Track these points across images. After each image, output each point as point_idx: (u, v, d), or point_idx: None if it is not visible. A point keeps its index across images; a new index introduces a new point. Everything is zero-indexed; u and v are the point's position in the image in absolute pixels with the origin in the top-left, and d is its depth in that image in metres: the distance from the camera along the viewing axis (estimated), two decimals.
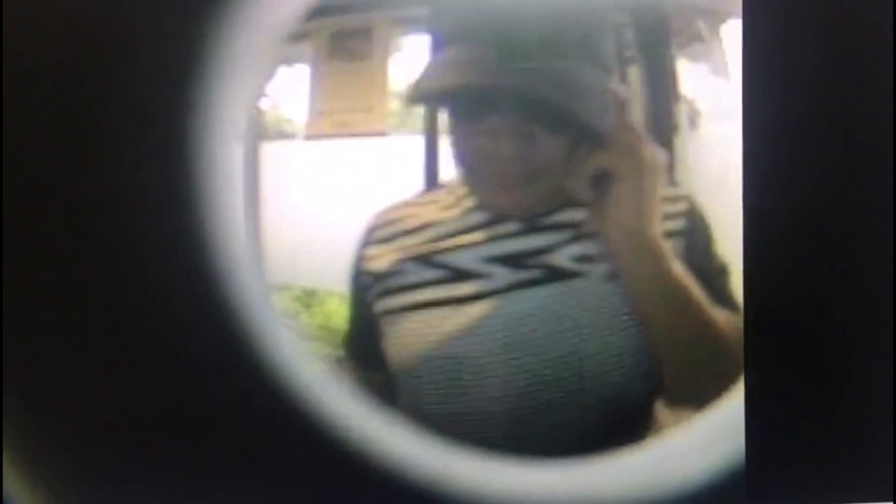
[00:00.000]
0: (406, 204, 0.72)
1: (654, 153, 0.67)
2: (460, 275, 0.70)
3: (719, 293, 0.68)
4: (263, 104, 0.73)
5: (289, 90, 0.73)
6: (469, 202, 0.71)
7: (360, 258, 0.72)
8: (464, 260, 0.70)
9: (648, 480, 0.64)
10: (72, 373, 0.65)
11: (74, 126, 0.64)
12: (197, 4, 0.63)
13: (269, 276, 0.69)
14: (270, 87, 0.73)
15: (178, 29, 0.63)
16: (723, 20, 0.72)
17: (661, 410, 0.69)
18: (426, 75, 0.69)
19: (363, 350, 0.73)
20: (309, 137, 0.74)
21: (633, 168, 0.67)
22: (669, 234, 0.68)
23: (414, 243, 0.71)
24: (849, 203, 0.63)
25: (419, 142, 0.72)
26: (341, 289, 0.72)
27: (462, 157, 0.70)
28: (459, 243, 0.71)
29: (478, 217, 0.71)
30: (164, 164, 0.63)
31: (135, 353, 0.64)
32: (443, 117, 0.70)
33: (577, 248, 0.69)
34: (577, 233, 0.70)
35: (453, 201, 0.72)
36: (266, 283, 0.68)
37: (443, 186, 0.72)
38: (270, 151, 0.72)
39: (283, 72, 0.73)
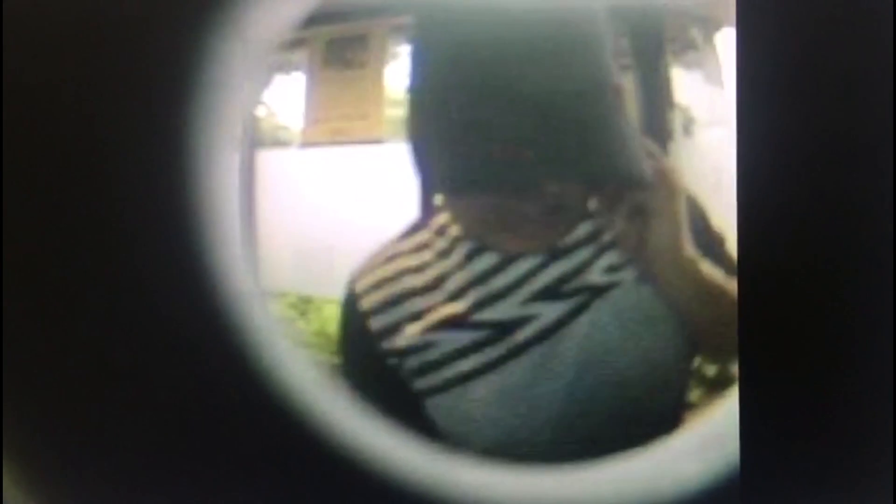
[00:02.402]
0: (393, 257, 0.68)
1: (686, 190, 0.66)
2: (504, 327, 0.66)
3: None
4: (259, 112, 0.73)
5: (285, 98, 0.74)
6: (470, 243, 0.67)
7: (370, 333, 0.68)
8: (502, 310, 0.66)
9: (643, 486, 0.64)
10: (67, 377, 0.65)
11: (70, 134, 0.64)
12: (193, 12, 0.63)
13: (265, 283, 0.69)
14: (266, 95, 0.73)
15: (174, 37, 0.63)
16: (717, 28, 0.73)
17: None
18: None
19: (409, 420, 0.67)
20: (305, 145, 0.74)
21: (669, 205, 0.66)
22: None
23: (432, 304, 0.67)
24: (845, 209, 0.63)
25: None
26: (337, 296, 0.72)
27: (466, 206, 0.66)
28: (489, 293, 0.67)
29: (491, 259, 0.67)
30: (161, 172, 0.63)
31: (130, 359, 0.64)
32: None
33: (604, 261, 0.67)
34: (599, 245, 0.67)
35: (448, 245, 0.68)
36: (262, 289, 0.68)
37: (422, 227, 0.68)
38: (266, 159, 0.72)
39: (279, 80, 0.73)
